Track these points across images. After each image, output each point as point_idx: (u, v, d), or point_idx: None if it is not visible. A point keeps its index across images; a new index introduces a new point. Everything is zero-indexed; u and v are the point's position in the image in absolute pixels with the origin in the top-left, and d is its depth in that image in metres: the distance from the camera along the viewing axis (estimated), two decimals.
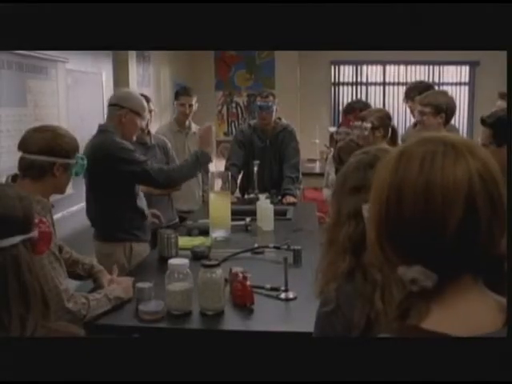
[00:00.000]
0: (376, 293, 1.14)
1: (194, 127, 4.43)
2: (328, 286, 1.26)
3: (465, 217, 0.79)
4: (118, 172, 2.81)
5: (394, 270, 0.84)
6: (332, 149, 4.69)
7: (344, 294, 1.21)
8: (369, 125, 3.29)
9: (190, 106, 4.25)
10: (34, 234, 1.19)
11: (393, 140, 3.39)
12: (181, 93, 4.33)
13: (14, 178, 2.03)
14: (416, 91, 3.62)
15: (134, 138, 3.06)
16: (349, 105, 4.30)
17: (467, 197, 0.79)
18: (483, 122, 2.24)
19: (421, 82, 4.21)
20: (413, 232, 0.81)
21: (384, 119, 3.38)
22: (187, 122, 4.36)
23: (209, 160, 3.04)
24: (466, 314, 0.82)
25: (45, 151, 1.99)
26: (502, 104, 3.54)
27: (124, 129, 2.93)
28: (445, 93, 3.28)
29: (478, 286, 0.84)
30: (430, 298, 0.83)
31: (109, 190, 2.87)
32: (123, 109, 2.92)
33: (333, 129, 5.29)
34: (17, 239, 1.14)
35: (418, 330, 0.81)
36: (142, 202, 3.04)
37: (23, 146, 2.03)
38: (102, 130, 2.97)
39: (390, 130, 3.37)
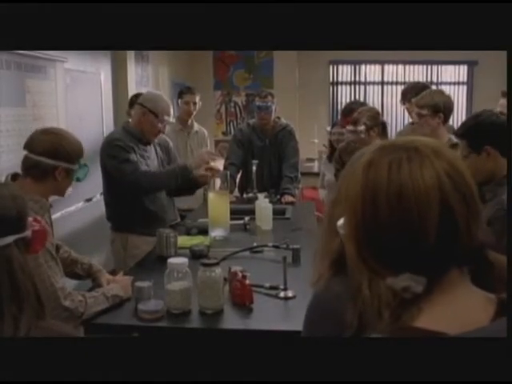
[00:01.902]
0: (364, 280, 1.14)
1: (196, 126, 4.46)
2: (324, 269, 1.25)
3: (442, 217, 0.80)
4: (104, 165, 3.06)
5: (383, 280, 0.85)
6: (327, 149, 4.70)
7: (335, 296, 1.20)
8: (362, 127, 3.31)
9: (195, 104, 4.31)
10: (28, 233, 1.18)
11: (384, 135, 3.41)
12: (185, 91, 4.40)
13: (14, 176, 2.03)
14: (413, 92, 3.61)
15: (156, 140, 3.17)
16: (347, 106, 4.31)
17: (440, 198, 0.80)
18: (456, 134, 2.25)
19: (417, 83, 4.20)
20: (394, 241, 0.82)
21: (376, 117, 3.40)
22: (190, 121, 4.39)
23: (188, 176, 3.09)
24: (457, 309, 0.83)
25: (49, 154, 1.99)
26: (504, 102, 3.54)
27: (143, 128, 3.10)
28: (441, 92, 3.27)
29: (465, 280, 0.85)
30: (419, 298, 0.84)
31: (106, 182, 3.13)
32: (144, 108, 3.09)
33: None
34: (10, 239, 1.13)
35: (412, 330, 0.82)
36: (150, 197, 3.13)
37: (29, 145, 2.04)
38: (122, 125, 3.24)
39: (381, 126, 3.40)
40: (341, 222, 0.96)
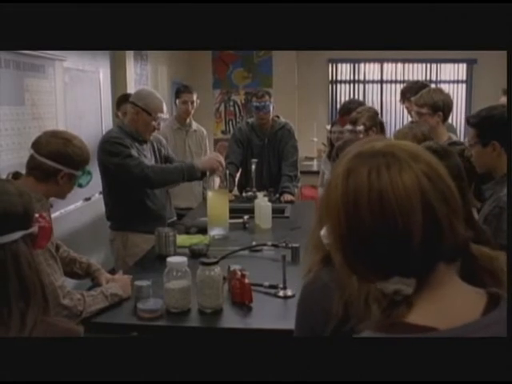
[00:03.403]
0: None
1: (195, 125, 4.46)
2: (312, 270, 1.26)
3: (425, 218, 0.81)
4: (105, 164, 3.02)
5: (373, 284, 0.86)
6: (327, 147, 4.70)
7: (323, 285, 1.22)
8: (361, 127, 3.30)
9: (192, 102, 4.31)
10: (34, 229, 1.19)
11: (383, 135, 3.40)
12: (182, 90, 4.38)
13: (15, 175, 2.03)
14: (412, 91, 3.61)
15: (151, 137, 3.18)
16: (344, 106, 4.30)
17: (421, 200, 0.81)
18: (468, 121, 2.25)
19: (416, 82, 4.20)
20: (380, 248, 0.82)
21: (374, 117, 3.40)
22: (188, 120, 4.39)
23: (195, 176, 3.12)
24: (447, 304, 0.84)
25: (53, 157, 1.99)
26: (505, 100, 3.54)
27: (137, 126, 3.10)
28: (440, 90, 3.27)
29: (453, 275, 0.86)
30: (409, 295, 0.84)
31: (106, 181, 3.12)
32: (137, 107, 3.09)
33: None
34: (17, 235, 1.15)
35: (403, 325, 0.83)
36: (150, 195, 3.14)
37: (35, 145, 2.04)
38: (116, 124, 3.25)
39: (379, 125, 3.39)
40: (324, 231, 0.97)
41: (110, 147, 2.99)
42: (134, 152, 3.00)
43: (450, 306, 0.83)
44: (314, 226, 1.31)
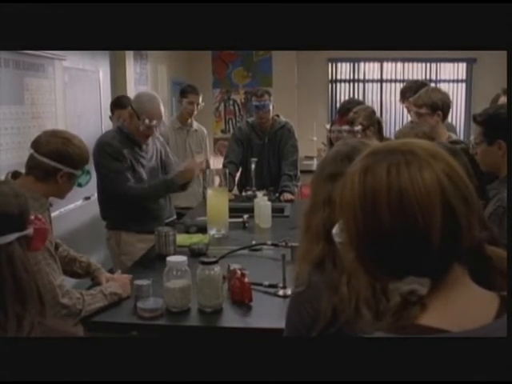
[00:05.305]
0: (342, 278, 1.14)
1: (196, 125, 4.45)
2: (303, 271, 1.27)
3: (445, 218, 0.79)
4: (97, 165, 2.99)
5: (386, 284, 0.85)
6: (327, 147, 4.70)
7: (312, 285, 1.22)
8: (359, 127, 3.29)
9: (198, 104, 4.29)
10: (30, 231, 1.18)
11: (379, 133, 3.40)
12: (189, 91, 4.33)
13: (15, 174, 2.03)
14: (411, 91, 3.60)
15: (148, 141, 3.15)
16: (343, 105, 4.29)
17: (442, 199, 0.80)
18: (474, 119, 2.24)
19: (415, 82, 4.19)
20: (397, 247, 0.81)
21: (372, 116, 3.39)
22: (189, 120, 4.38)
23: (173, 189, 3.17)
24: (460, 307, 0.83)
25: (53, 156, 1.99)
26: (504, 100, 3.53)
27: (132, 129, 3.06)
28: (437, 89, 3.25)
29: (467, 278, 0.85)
30: (422, 296, 0.84)
31: (100, 181, 3.09)
32: (132, 110, 3.07)
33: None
34: (12, 237, 1.13)
35: (415, 327, 0.82)
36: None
37: (35, 145, 2.04)
38: (116, 125, 3.27)
39: (377, 124, 3.38)
40: (336, 229, 0.96)
41: (99, 156, 2.97)
42: (120, 166, 2.96)
43: (464, 308, 0.83)
44: (301, 237, 1.32)
